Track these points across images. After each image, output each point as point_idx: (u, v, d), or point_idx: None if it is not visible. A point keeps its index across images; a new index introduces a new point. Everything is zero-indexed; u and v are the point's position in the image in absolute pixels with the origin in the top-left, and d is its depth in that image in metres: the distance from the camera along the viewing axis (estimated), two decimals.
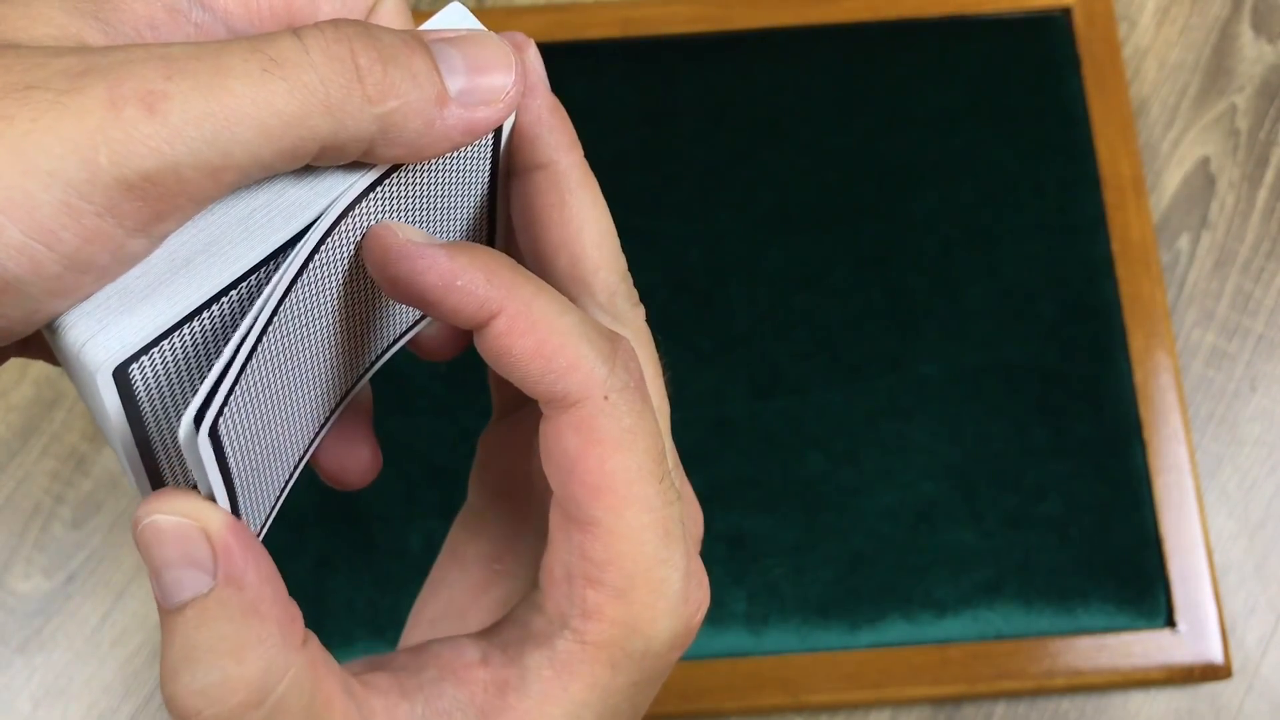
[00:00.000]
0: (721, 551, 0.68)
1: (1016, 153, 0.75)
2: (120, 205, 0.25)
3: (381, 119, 0.27)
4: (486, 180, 0.34)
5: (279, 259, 0.29)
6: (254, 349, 0.27)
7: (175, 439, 0.30)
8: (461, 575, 0.39)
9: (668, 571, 0.31)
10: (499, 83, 0.29)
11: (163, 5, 0.29)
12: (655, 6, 0.77)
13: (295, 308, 0.29)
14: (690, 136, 0.75)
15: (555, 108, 0.33)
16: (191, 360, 0.29)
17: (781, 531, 0.69)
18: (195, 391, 0.30)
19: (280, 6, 0.31)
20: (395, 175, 0.30)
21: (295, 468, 0.34)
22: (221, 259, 0.28)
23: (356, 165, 0.29)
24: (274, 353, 0.29)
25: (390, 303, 0.34)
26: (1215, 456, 0.71)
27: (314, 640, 0.29)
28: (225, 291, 0.28)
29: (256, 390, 0.28)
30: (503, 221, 0.36)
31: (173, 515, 0.28)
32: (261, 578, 0.28)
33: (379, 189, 0.30)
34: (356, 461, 0.38)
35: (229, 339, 0.29)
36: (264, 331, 0.27)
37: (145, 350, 0.27)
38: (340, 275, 0.30)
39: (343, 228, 0.29)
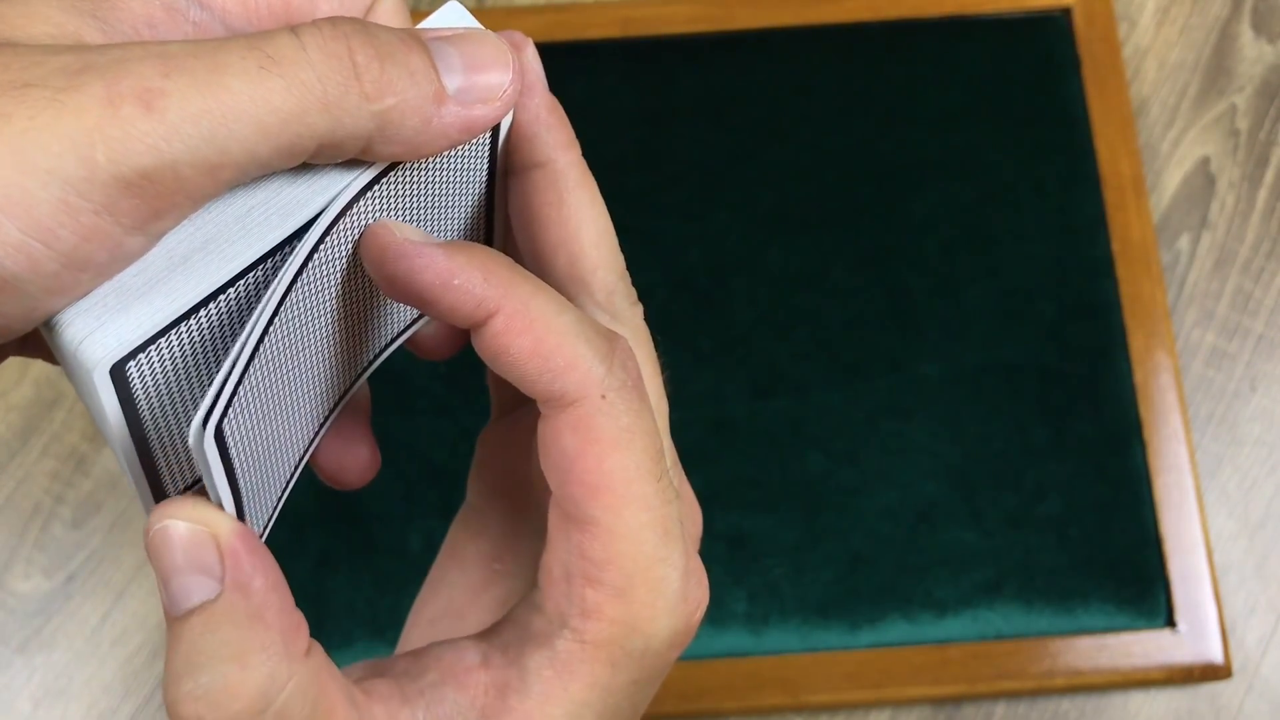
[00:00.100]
0: (721, 551, 0.68)
1: (1016, 153, 0.75)
2: (118, 203, 0.25)
3: (379, 116, 0.27)
4: (484, 179, 0.34)
5: (276, 257, 0.29)
6: (256, 350, 0.27)
7: (172, 437, 0.30)
8: (461, 575, 0.39)
9: (666, 570, 0.31)
10: (496, 81, 0.29)
11: (161, 4, 0.29)
12: (655, 6, 0.77)
13: (294, 307, 0.29)
14: (690, 136, 0.75)
15: (553, 106, 0.33)
16: (189, 358, 0.29)
17: (781, 531, 0.69)
18: (193, 389, 0.30)
19: (278, 5, 0.31)
20: (393, 174, 0.30)
21: (296, 468, 0.34)
22: (219, 257, 0.28)
23: (354, 163, 0.29)
24: (274, 353, 0.29)
25: (388, 301, 0.34)
26: (1215, 456, 0.71)
27: (318, 649, 0.29)
28: (223, 289, 0.28)
29: (258, 391, 0.28)
30: (501, 221, 0.36)
31: (183, 521, 0.28)
32: (268, 585, 0.28)
33: (377, 187, 0.30)
34: (355, 461, 0.38)
35: (227, 337, 0.29)
36: (265, 332, 0.27)
37: (142, 348, 0.27)
38: (338, 274, 0.31)
39: (341, 226, 0.29)
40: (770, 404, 0.71)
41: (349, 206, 0.29)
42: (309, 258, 0.28)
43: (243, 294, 0.29)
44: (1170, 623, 0.67)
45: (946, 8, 0.77)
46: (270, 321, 0.27)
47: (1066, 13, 0.77)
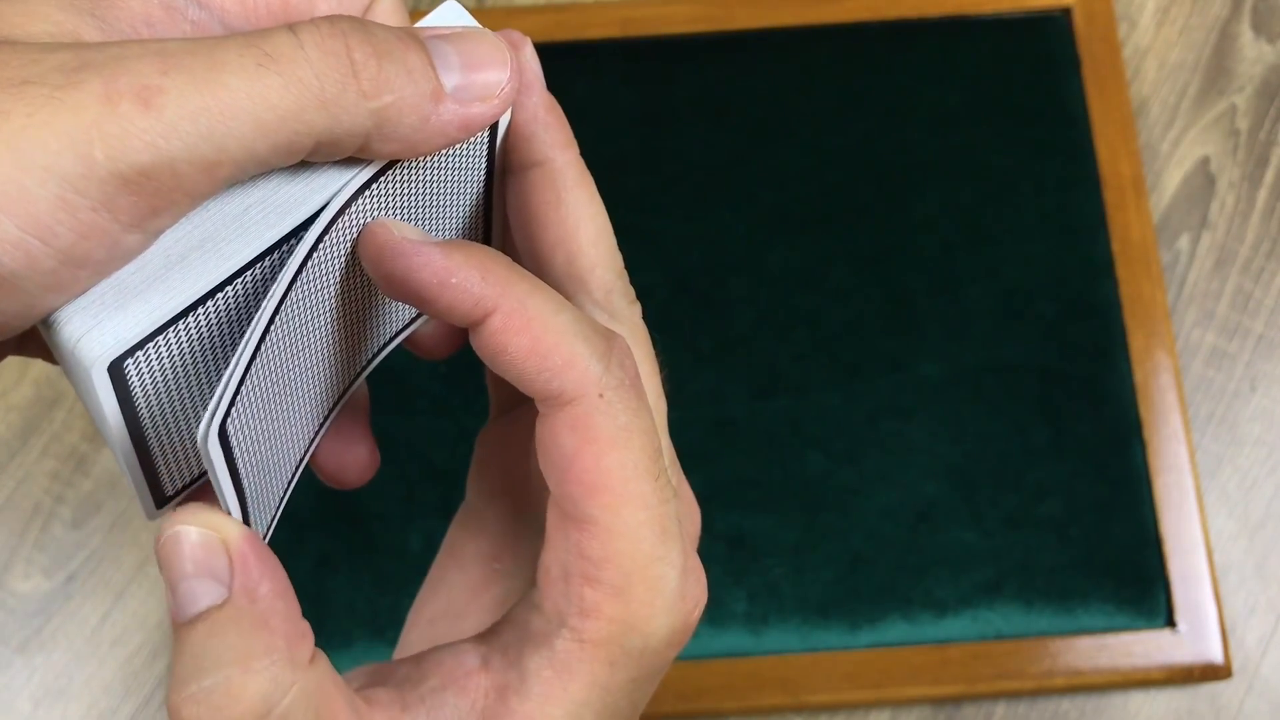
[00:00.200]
0: (721, 551, 0.68)
1: (1016, 153, 0.75)
2: (116, 200, 0.25)
3: (376, 114, 0.27)
4: (482, 178, 0.34)
5: (274, 255, 0.29)
6: (257, 350, 0.27)
7: (170, 435, 0.30)
8: (460, 574, 0.39)
9: (664, 569, 0.31)
10: (494, 79, 0.30)
11: (159, 3, 0.29)
12: (655, 6, 0.77)
13: (293, 306, 0.29)
14: (690, 136, 0.75)
15: (551, 106, 0.33)
16: (187, 356, 0.29)
17: (781, 531, 0.69)
18: (191, 387, 0.30)
19: (276, 4, 0.31)
20: (391, 172, 0.30)
21: (297, 468, 0.34)
22: (217, 255, 0.28)
23: (352, 162, 0.29)
24: (274, 352, 0.29)
25: (387, 300, 0.34)
26: (1215, 456, 0.71)
27: (322, 658, 0.29)
28: (221, 287, 0.28)
29: (260, 390, 0.28)
30: (499, 220, 0.36)
31: (194, 527, 0.28)
32: (275, 591, 0.28)
33: (375, 186, 0.30)
34: (355, 460, 0.38)
35: (225, 335, 0.29)
36: (266, 331, 0.27)
37: (140, 345, 0.27)
38: (337, 273, 0.31)
39: (339, 225, 0.29)
40: (770, 404, 0.71)
41: (347, 205, 0.29)
42: (308, 256, 0.28)
43: (241, 292, 0.29)
44: (1170, 623, 0.67)
45: (946, 8, 0.77)
46: (271, 321, 0.27)
47: (1066, 13, 0.77)
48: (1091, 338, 0.72)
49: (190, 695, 0.27)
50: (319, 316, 0.31)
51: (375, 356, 0.37)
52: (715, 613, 0.68)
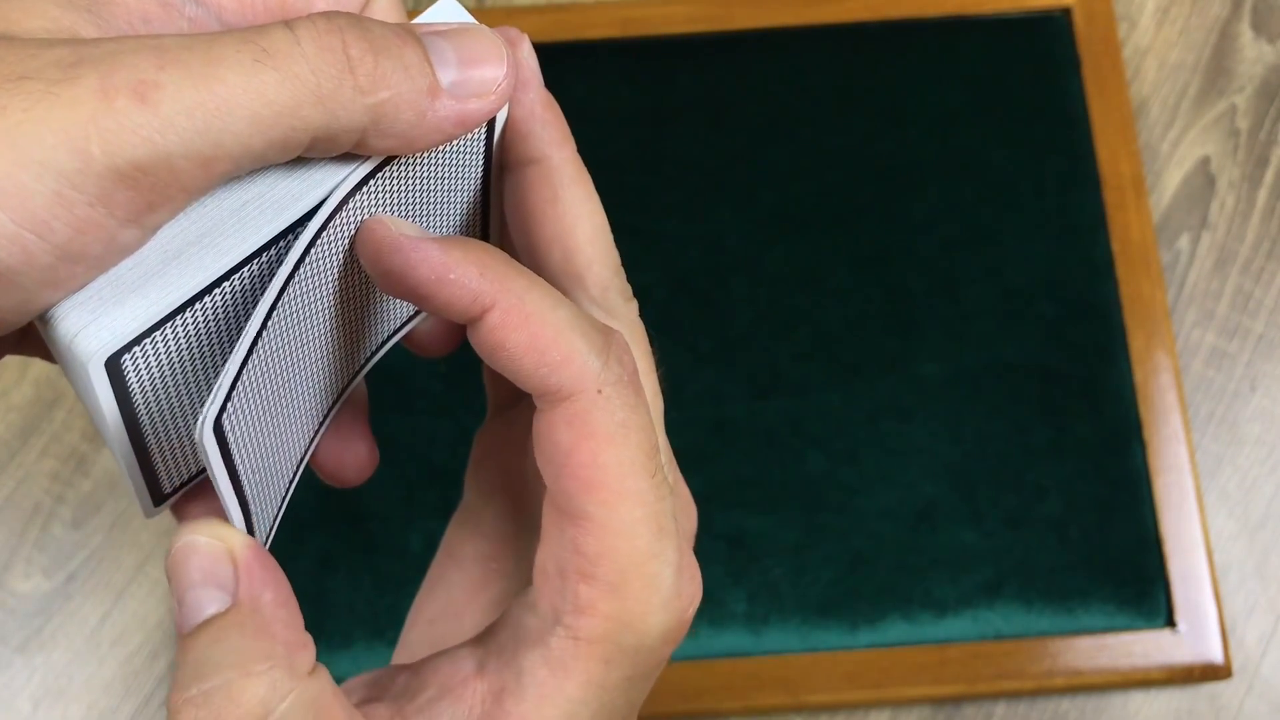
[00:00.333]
0: (721, 551, 0.68)
1: (1016, 153, 0.75)
2: (112, 195, 0.26)
3: (373, 109, 0.27)
4: (480, 175, 0.34)
5: (271, 251, 0.29)
6: (254, 345, 0.27)
7: (168, 431, 0.31)
8: (458, 574, 0.39)
9: (660, 566, 0.31)
10: (491, 75, 0.30)
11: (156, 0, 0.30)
12: (655, 6, 0.77)
13: (291, 302, 0.29)
14: (690, 136, 0.75)
15: (548, 103, 0.33)
16: (184, 351, 0.29)
17: (781, 531, 0.69)
18: (188, 383, 0.30)
19: (274, 1, 0.31)
20: (388, 168, 0.30)
21: (298, 466, 0.34)
22: (214, 250, 0.28)
23: (349, 157, 0.29)
24: (272, 348, 0.29)
25: (385, 297, 0.34)
26: (1215, 456, 0.71)
27: (324, 672, 0.29)
28: (218, 283, 0.28)
29: (258, 386, 0.28)
30: (496, 217, 0.36)
31: (202, 537, 0.28)
32: (278, 600, 0.28)
33: (372, 182, 0.30)
34: (354, 458, 0.38)
35: (223, 331, 0.29)
36: (263, 327, 0.27)
37: (138, 341, 0.27)
38: (335, 269, 0.31)
39: (337, 221, 0.29)
40: (770, 404, 0.71)
41: (345, 200, 0.29)
42: (306, 251, 0.28)
43: (238, 288, 0.29)
44: (1170, 623, 0.67)
45: (946, 8, 0.77)
46: (268, 316, 0.27)
47: (1066, 13, 0.77)
48: (1091, 338, 0.71)
49: (189, 698, 0.27)
50: (317, 314, 0.31)
51: (374, 354, 0.37)
52: (715, 613, 0.68)
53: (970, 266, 0.73)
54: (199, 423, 0.26)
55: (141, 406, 0.29)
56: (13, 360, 0.69)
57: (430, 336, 0.38)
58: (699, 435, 0.70)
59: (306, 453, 0.35)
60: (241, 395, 0.27)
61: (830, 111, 0.76)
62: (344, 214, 0.29)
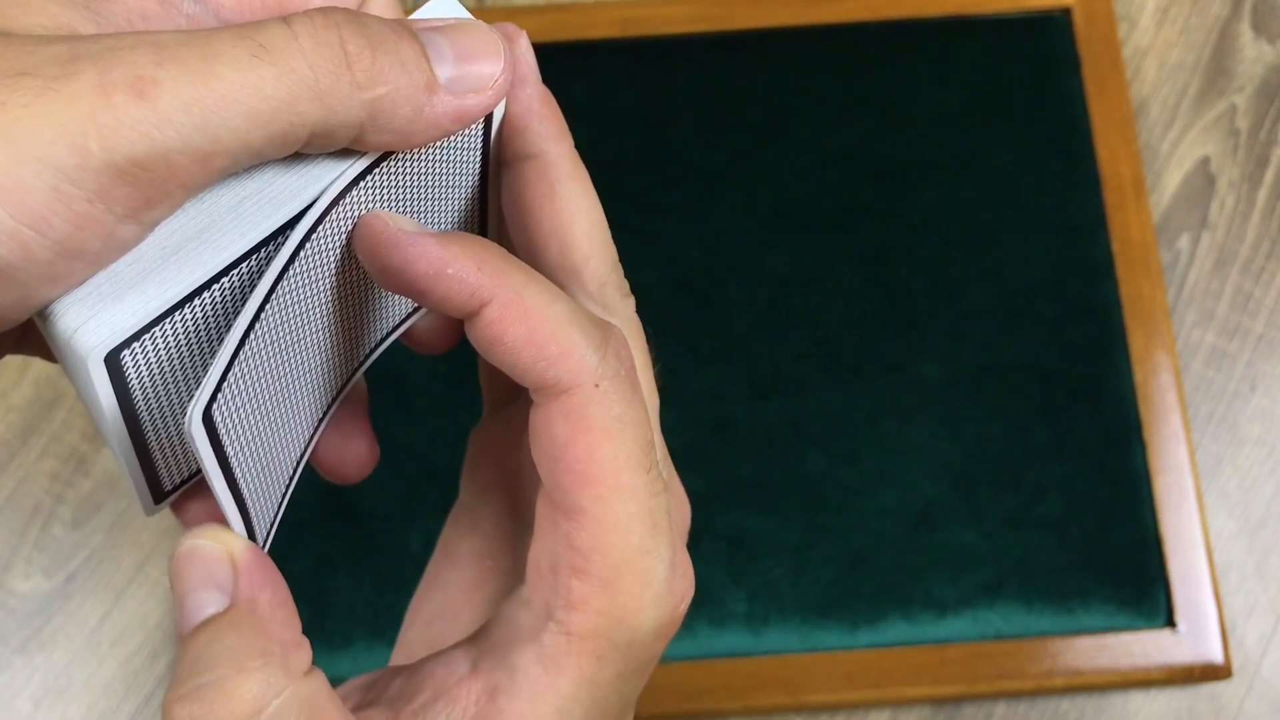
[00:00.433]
0: (721, 551, 0.68)
1: (1016, 153, 0.75)
2: (111, 191, 0.26)
3: (370, 105, 0.28)
4: (477, 171, 0.34)
5: (270, 246, 0.29)
6: (246, 336, 0.27)
7: (168, 427, 0.31)
8: (455, 573, 0.39)
9: (653, 562, 0.31)
10: (487, 70, 0.30)
11: None
12: (655, 6, 0.77)
13: (289, 296, 0.29)
14: (690, 136, 0.75)
15: (545, 98, 0.33)
16: (183, 347, 0.29)
17: (781, 531, 0.69)
18: (187, 378, 0.30)
19: None
20: (386, 164, 0.30)
21: (298, 464, 0.34)
22: (212, 246, 0.28)
23: (347, 153, 0.29)
24: (269, 343, 0.29)
25: (384, 294, 0.34)
26: (1215, 456, 0.71)
27: (320, 675, 0.29)
28: (216, 278, 0.28)
29: (253, 380, 0.28)
30: (494, 212, 0.36)
31: (204, 541, 0.29)
32: (275, 602, 0.29)
33: (370, 178, 0.30)
34: (355, 454, 0.39)
35: (221, 326, 0.29)
36: (256, 318, 0.27)
37: (137, 336, 0.27)
38: (333, 265, 0.31)
39: (334, 216, 0.29)
40: (770, 404, 0.71)
41: (342, 195, 0.29)
42: (301, 245, 0.28)
43: (236, 283, 0.29)
44: (1170, 623, 0.67)
45: (946, 8, 0.77)
46: (261, 308, 0.27)
47: (1066, 13, 0.77)
48: (1091, 338, 0.71)
49: (184, 694, 0.27)
50: (315, 310, 0.31)
51: (373, 351, 0.37)
52: (715, 613, 0.68)
53: (970, 266, 0.73)
54: (188, 412, 0.26)
55: (141, 402, 0.29)
56: (13, 360, 0.70)
57: (429, 333, 0.38)
58: (699, 435, 0.70)
59: (306, 450, 0.35)
60: (235, 387, 0.27)
61: (830, 111, 0.76)
62: (341, 209, 0.29)
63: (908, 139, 0.75)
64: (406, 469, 0.70)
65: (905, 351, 0.72)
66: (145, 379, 0.28)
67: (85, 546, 0.70)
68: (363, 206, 0.30)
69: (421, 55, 0.28)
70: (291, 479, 0.34)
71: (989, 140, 0.75)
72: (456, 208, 0.34)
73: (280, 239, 0.29)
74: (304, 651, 0.29)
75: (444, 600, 0.39)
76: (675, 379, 0.71)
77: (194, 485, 0.34)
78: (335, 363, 0.34)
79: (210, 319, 0.29)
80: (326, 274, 0.30)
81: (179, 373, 0.29)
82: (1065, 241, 0.73)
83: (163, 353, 0.28)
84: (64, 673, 0.69)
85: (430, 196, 0.33)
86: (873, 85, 0.76)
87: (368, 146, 0.29)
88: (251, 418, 0.29)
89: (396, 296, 0.35)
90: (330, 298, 0.31)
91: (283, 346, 0.30)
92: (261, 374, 0.29)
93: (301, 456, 0.35)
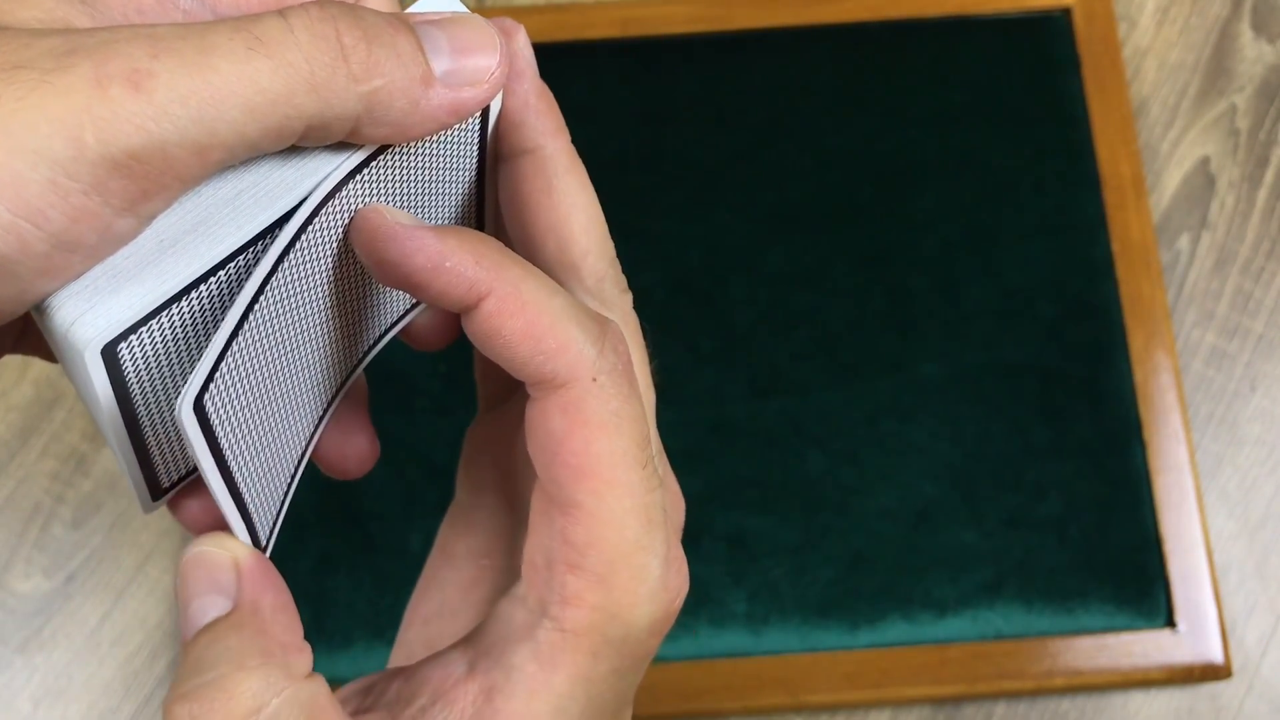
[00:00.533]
0: (721, 551, 0.68)
1: (1016, 153, 0.75)
2: (107, 184, 0.26)
3: (367, 98, 0.28)
4: (474, 166, 0.34)
5: (267, 239, 0.29)
6: (239, 326, 0.27)
7: (165, 422, 0.30)
8: (452, 573, 0.39)
9: (648, 558, 0.31)
10: (484, 64, 0.30)
11: None
12: (655, 6, 0.77)
13: (286, 290, 0.29)
14: (690, 136, 0.75)
15: (542, 93, 0.33)
16: (180, 340, 0.29)
17: (781, 531, 0.69)
18: (185, 372, 0.30)
19: None
20: (383, 157, 0.30)
21: (299, 463, 0.34)
22: (209, 239, 0.28)
23: (344, 146, 0.29)
24: (266, 336, 0.29)
25: (382, 289, 0.34)
26: (1215, 456, 0.71)
27: (321, 681, 0.29)
28: (214, 271, 0.28)
29: (250, 374, 0.28)
30: (491, 207, 0.36)
31: (210, 547, 0.29)
32: (277, 605, 0.29)
33: (367, 171, 0.30)
34: (355, 449, 0.38)
35: (218, 319, 0.29)
36: (250, 308, 0.27)
37: (134, 329, 0.27)
38: (330, 259, 0.31)
39: (331, 209, 0.29)
40: (770, 404, 0.71)
41: (339, 187, 0.29)
42: (297, 237, 0.28)
43: (234, 276, 0.29)
44: (1170, 623, 0.67)
45: (946, 8, 0.77)
46: (255, 298, 0.27)
47: (1066, 13, 0.77)
48: (1091, 338, 0.71)
49: (184, 693, 0.27)
50: (313, 304, 0.31)
51: (372, 348, 0.37)
52: (715, 613, 0.68)
53: (970, 266, 0.73)
54: (178, 400, 0.26)
55: (138, 395, 0.29)
56: (13, 360, 0.70)
57: (428, 330, 0.38)
58: (699, 435, 0.70)
59: (308, 449, 0.35)
60: (229, 379, 0.27)
61: (830, 111, 0.76)
62: (338, 202, 0.29)
63: (908, 139, 0.75)
64: (406, 469, 0.70)
65: (905, 351, 0.72)
66: (142, 372, 0.28)
67: (85, 546, 0.70)
68: (359, 200, 0.30)
69: (417, 48, 0.28)
70: (293, 478, 0.34)
71: (989, 140, 0.75)
72: (453, 202, 0.34)
73: (277, 232, 0.29)
74: (305, 655, 0.29)
75: (442, 600, 0.39)
76: (675, 379, 0.71)
77: (192, 483, 0.34)
78: (334, 359, 0.34)
79: (207, 312, 0.29)
80: (324, 268, 0.30)
81: (176, 366, 0.29)
82: (1065, 241, 0.73)
83: (160, 345, 0.28)
84: (64, 673, 0.69)
85: (427, 191, 0.33)
86: (873, 85, 0.76)
87: (364, 140, 0.29)
88: (247, 411, 0.29)
89: (394, 291, 0.35)
90: (328, 292, 0.31)
91: (280, 341, 0.30)
92: (258, 368, 0.29)
93: (303, 455, 0.35)
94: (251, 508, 0.30)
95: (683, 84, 0.77)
